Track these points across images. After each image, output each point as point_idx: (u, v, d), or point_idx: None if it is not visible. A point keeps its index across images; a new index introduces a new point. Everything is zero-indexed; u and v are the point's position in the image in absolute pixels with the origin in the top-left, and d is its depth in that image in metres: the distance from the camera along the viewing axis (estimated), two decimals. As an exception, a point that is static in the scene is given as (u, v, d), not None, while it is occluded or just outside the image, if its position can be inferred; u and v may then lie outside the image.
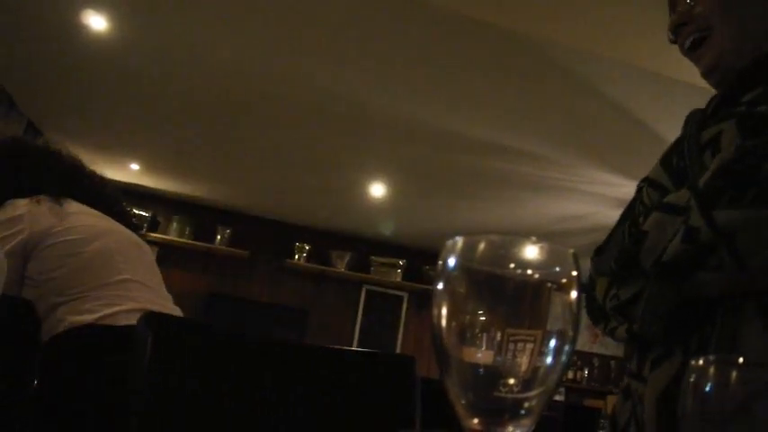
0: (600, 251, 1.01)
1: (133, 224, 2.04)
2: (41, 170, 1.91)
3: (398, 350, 6.84)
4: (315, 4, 3.11)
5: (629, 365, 0.97)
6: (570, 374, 7.05)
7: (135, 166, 5.92)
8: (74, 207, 1.86)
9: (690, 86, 2.93)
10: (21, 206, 1.77)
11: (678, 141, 0.98)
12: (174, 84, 4.15)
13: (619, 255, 0.91)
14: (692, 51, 1.01)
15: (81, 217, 1.85)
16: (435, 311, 0.42)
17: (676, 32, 1.03)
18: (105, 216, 1.92)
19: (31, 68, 4.26)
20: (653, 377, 0.86)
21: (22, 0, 3.39)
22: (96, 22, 3.45)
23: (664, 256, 0.83)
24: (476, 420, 0.40)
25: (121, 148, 5.54)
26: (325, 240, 6.97)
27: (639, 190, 1.02)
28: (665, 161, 0.98)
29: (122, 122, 4.99)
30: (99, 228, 1.86)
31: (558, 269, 0.42)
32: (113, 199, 2.04)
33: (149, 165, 5.90)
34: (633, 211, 0.99)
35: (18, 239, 1.72)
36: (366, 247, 7.06)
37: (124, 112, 4.76)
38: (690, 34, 1.00)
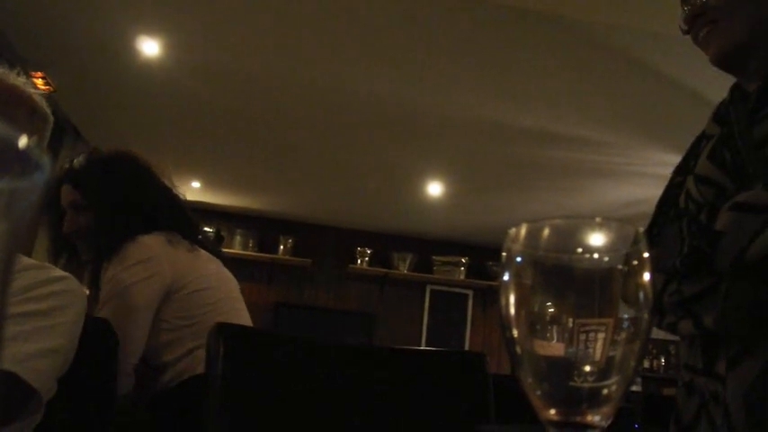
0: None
1: (222, 257, 2.02)
2: (157, 198, 1.88)
3: (467, 348, 6.79)
4: (357, 11, 3.12)
5: (688, 361, 0.96)
6: (646, 363, 6.85)
7: (196, 184, 6.08)
8: (201, 253, 1.87)
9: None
10: (154, 246, 1.75)
11: (726, 137, 0.96)
12: (227, 101, 4.24)
13: (689, 254, 0.89)
14: (704, 42, 1.02)
15: (208, 264, 1.87)
16: (503, 303, 0.41)
17: (690, 24, 1.03)
18: (213, 257, 1.92)
19: (93, 97, 4.43)
20: (735, 376, 0.84)
21: (81, 35, 3.53)
22: (149, 47, 3.57)
23: (747, 256, 0.81)
24: (553, 411, 0.39)
25: (182, 168, 5.69)
26: (387, 243, 6.99)
27: (679, 185, 1.02)
28: (714, 156, 0.96)
29: (181, 142, 5.13)
30: (219, 274, 1.89)
31: (627, 250, 0.40)
32: (204, 233, 2.06)
33: (210, 181, 6.05)
34: (680, 206, 0.98)
35: (159, 283, 1.71)
36: (428, 246, 7.04)
37: (182, 132, 4.90)
38: (703, 26, 1.01)
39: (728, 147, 0.94)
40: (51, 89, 4.01)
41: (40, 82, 3.90)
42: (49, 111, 1.29)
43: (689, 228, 0.91)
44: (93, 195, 1.80)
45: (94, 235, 1.79)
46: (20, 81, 1.24)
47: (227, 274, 1.94)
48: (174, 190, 1.96)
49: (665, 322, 0.94)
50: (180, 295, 1.75)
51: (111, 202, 1.78)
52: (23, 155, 0.21)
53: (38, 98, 1.26)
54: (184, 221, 1.92)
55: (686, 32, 1.04)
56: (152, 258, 1.72)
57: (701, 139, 1.05)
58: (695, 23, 1.02)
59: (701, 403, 0.91)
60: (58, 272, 1.22)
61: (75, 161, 1.88)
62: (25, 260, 1.20)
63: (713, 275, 0.85)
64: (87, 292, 1.82)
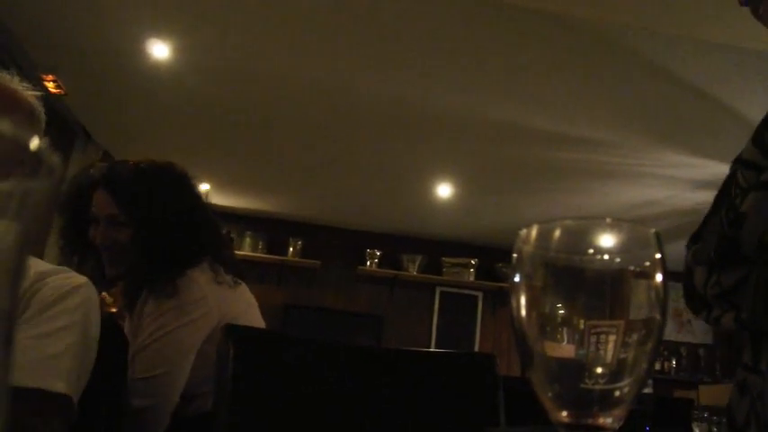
0: (695, 239, 0.95)
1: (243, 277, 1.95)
2: (203, 222, 1.80)
3: (476, 350, 6.77)
4: (367, 13, 3.12)
5: (743, 357, 0.91)
6: (657, 365, 6.79)
7: (205, 186, 6.09)
8: (241, 289, 1.82)
9: (764, 55, 2.79)
10: (204, 286, 1.67)
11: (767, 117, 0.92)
12: (237, 103, 4.26)
13: (718, 241, 0.86)
14: (766, 15, 0.95)
15: (248, 300, 1.84)
16: (514, 304, 0.41)
17: None
18: (246, 289, 1.87)
19: (104, 100, 4.45)
20: None
21: (92, 38, 3.55)
22: (159, 49, 3.58)
23: (766, 239, 0.77)
24: (564, 413, 0.39)
25: (191, 170, 5.68)
26: (396, 245, 6.99)
27: (733, 173, 0.96)
28: (758, 139, 0.91)
29: (191, 144, 5.15)
30: (254, 309, 1.86)
31: (639, 252, 0.40)
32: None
33: (219, 184, 6.07)
34: (729, 196, 0.93)
35: (207, 325, 1.65)
36: (437, 248, 7.03)
37: (192, 134, 4.92)
38: None
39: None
40: (62, 92, 4.04)
41: (51, 85, 3.92)
42: (43, 112, 1.29)
43: (726, 215, 0.88)
44: (138, 213, 1.67)
45: (132, 255, 1.67)
46: (18, 85, 1.24)
47: (256, 309, 1.89)
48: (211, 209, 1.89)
49: (711, 316, 0.90)
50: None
51: (158, 226, 1.67)
52: (35, 156, 0.21)
53: (35, 101, 1.26)
54: (226, 249, 1.88)
55: (744, 3, 0.97)
56: (201, 299, 1.65)
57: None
58: None
59: (751, 402, 0.87)
60: (78, 277, 1.22)
61: (118, 169, 1.75)
62: (42, 264, 1.20)
63: (747, 263, 0.81)
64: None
